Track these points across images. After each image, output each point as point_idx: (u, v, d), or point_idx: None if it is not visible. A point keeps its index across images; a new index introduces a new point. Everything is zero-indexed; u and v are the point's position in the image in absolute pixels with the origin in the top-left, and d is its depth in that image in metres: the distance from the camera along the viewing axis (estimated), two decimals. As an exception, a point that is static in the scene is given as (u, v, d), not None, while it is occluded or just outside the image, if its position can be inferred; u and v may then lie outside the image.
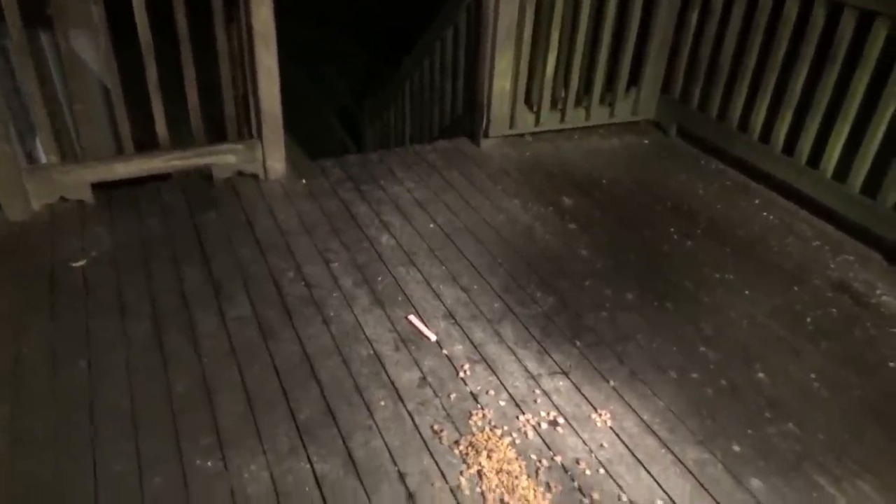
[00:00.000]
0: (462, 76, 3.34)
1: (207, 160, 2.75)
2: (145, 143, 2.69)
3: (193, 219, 2.60)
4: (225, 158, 2.77)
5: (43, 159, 2.63)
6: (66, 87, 2.62)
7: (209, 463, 1.66)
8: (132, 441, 1.71)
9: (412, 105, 4.06)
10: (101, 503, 1.56)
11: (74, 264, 2.31)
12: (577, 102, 3.29)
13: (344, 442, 1.73)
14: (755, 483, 1.67)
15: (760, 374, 2.00)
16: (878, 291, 2.36)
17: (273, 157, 2.82)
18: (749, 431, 1.81)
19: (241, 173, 2.83)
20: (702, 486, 1.66)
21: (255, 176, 2.85)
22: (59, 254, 2.37)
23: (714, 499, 1.63)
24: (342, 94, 5.85)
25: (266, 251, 2.44)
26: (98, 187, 2.65)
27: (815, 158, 2.70)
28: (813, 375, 2.00)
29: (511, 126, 3.23)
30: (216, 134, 2.81)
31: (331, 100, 5.85)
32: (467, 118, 3.34)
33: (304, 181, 2.89)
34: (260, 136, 2.78)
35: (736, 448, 1.76)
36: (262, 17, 2.54)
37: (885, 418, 1.87)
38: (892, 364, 2.05)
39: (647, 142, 3.37)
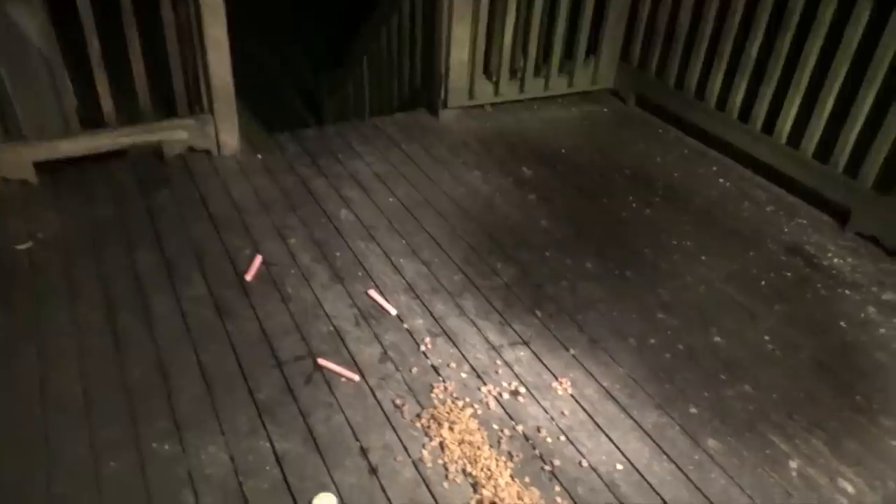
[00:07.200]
0: (419, 46, 3.28)
1: (157, 136, 2.66)
2: (96, 120, 2.58)
3: (144, 198, 2.52)
4: (175, 134, 2.68)
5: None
6: (6, 61, 2.49)
7: (166, 446, 1.62)
8: (86, 427, 1.66)
9: (371, 77, 3.98)
10: (55, 491, 1.52)
11: (19, 246, 2.22)
12: (536, 72, 3.26)
13: (304, 419, 1.71)
14: (711, 443, 1.71)
15: (717, 338, 2.03)
16: (829, 254, 2.42)
17: (226, 131, 2.74)
18: (706, 394, 1.85)
19: (193, 149, 2.74)
20: (660, 448, 1.69)
21: (207, 152, 2.77)
22: (2, 236, 2.28)
23: (672, 460, 1.66)
24: (305, 71, 5.71)
25: (221, 229, 2.38)
26: (44, 167, 2.54)
27: (770, 125, 2.73)
28: (767, 337, 2.05)
29: (470, 97, 3.19)
30: (167, 109, 2.71)
31: (296, 81, 5.72)
32: (426, 89, 3.29)
33: (259, 156, 2.82)
34: (211, 111, 2.69)
35: (693, 410, 1.80)
36: (209, -13, 2.44)
37: (834, 376, 1.93)
38: (841, 323, 2.11)
39: (606, 110, 3.37)
